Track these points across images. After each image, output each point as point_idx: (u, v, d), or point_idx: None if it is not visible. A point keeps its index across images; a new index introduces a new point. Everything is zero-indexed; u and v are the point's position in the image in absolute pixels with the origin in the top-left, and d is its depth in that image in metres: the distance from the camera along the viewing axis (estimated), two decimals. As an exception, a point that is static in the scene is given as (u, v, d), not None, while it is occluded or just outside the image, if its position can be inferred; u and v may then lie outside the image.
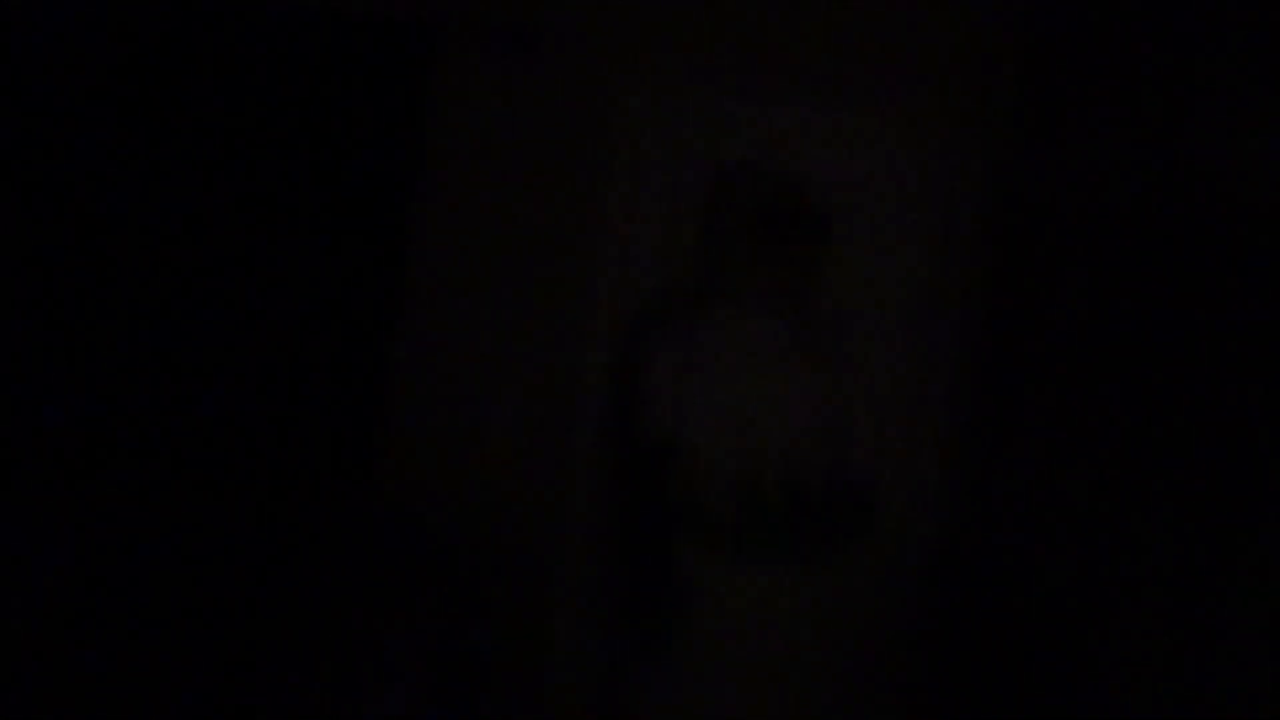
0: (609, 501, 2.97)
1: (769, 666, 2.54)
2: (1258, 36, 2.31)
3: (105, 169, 2.76)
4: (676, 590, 2.60)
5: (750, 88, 3.07)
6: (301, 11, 2.83)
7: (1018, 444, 2.87)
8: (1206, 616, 2.22)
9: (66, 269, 2.74)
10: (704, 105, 3.07)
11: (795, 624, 2.58)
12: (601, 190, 3.03)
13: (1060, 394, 2.74)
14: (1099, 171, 2.70)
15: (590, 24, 3.03)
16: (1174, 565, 2.33)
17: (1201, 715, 2.17)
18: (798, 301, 2.69)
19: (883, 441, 2.75)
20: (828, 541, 2.61)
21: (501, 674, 2.88)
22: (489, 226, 3.03)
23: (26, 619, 2.69)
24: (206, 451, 2.83)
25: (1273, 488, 2.09)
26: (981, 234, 3.04)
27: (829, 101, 3.06)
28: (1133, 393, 2.53)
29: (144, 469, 2.80)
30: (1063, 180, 2.86)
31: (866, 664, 2.76)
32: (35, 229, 2.73)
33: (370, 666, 2.48)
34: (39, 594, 2.67)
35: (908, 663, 2.98)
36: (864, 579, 2.73)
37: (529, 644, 2.99)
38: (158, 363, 2.86)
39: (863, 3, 3.06)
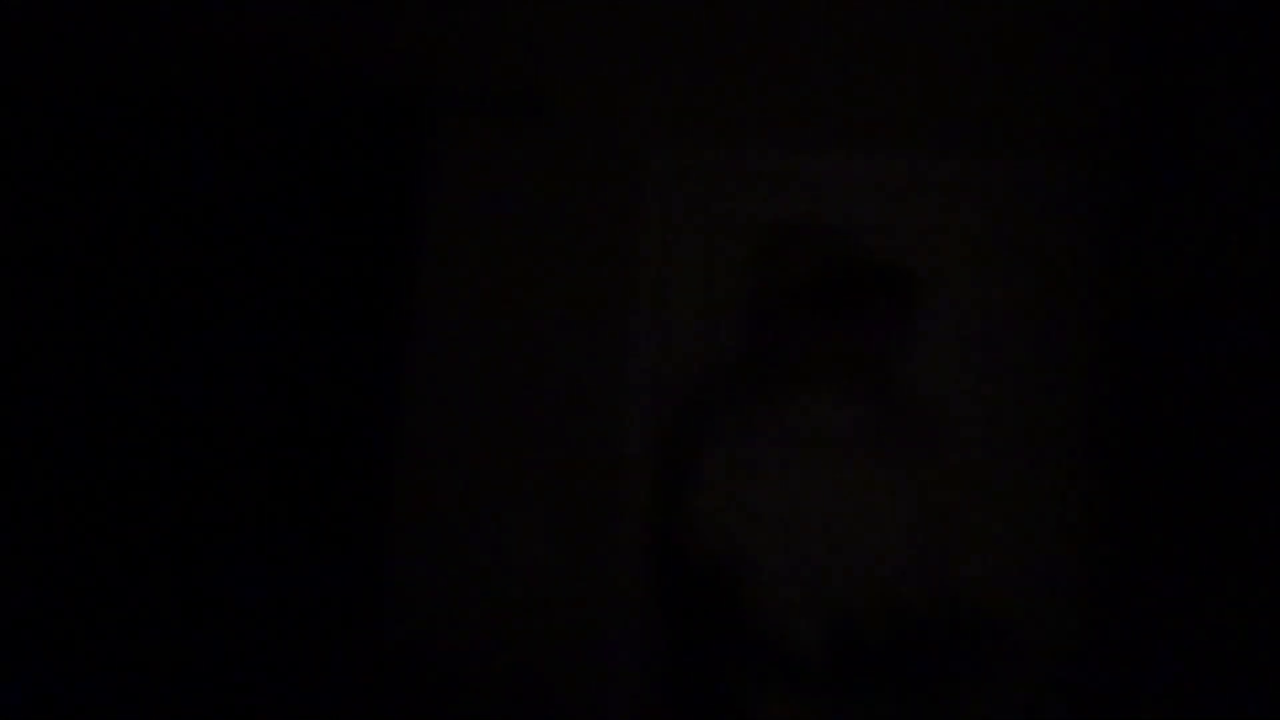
0: (659, 632, 2.45)
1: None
2: None
3: (106, 232, 2.59)
4: (748, 745, 2.07)
5: (798, 135, 2.64)
6: (305, 79, 2.63)
7: (1155, 549, 2.34)
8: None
9: (72, 355, 2.55)
10: (743, 158, 2.65)
11: (898, 784, 2.04)
12: (632, 263, 2.63)
13: (1205, 491, 2.22)
14: (1229, 220, 2.22)
15: (607, 79, 2.68)
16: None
17: None
18: (877, 380, 2.22)
19: (996, 552, 2.22)
20: (937, 680, 2.09)
21: None
22: (508, 307, 2.64)
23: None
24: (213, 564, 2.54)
25: None
26: (1093, 295, 2.54)
27: (895, 146, 2.61)
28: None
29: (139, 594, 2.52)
30: (1187, 232, 2.38)
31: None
32: (39, 319, 2.58)
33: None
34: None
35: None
36: (982, 724, 2.19)
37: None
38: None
39: (928, 36, 2.63)
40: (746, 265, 2.55)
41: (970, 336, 2.56)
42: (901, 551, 2.12)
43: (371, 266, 2.58)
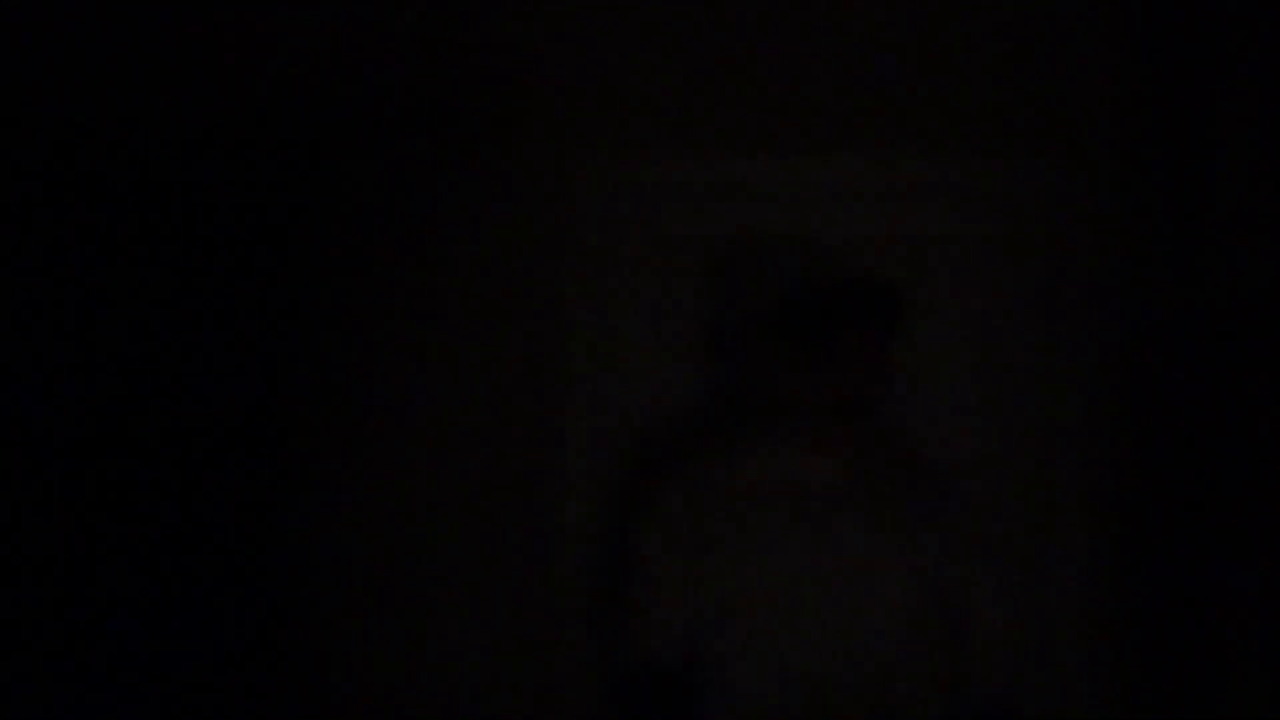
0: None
1: None
2: None
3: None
4: None
5: (757, 136, 2.22)
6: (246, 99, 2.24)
7: (1204, 625, 1.92)
8: None
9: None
10: (693, 164, 2.22)
11: None
12: (565, 291, 2.19)
13: (1256, 554, 1.81)
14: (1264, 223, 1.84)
15: (531, 77, 2.22)
16: None
17: None
18: (861, 424, 1.77)
19: (1010, 635, 1.78)
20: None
21: None
22: (420, 347, 2.20)
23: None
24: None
25: None
26: (1111, 315, 2.15)
27: (872, 146, 2.21)
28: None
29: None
30: (1219, 239, 2.00)
31: None
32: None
33: None
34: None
35: None
36: None
37: None
38: None
39: (908, 19, 2.23)
40: (701, 290, 2.17)
41: (967, 367, 2.15)
42: (898, 640, 1.67)
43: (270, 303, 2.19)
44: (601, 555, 2.13)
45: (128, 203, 2.22)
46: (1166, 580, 2.03)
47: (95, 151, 2.23)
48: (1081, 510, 2.11)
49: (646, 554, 1.72)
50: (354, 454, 2.17)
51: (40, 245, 2.22)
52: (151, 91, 2.22)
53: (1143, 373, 2.11)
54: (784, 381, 1.75)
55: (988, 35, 2.19)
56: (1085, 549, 2.10)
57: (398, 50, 2.22)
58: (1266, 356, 1.81)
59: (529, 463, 2.16)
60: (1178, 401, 2.03)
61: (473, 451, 2.16)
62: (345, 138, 2.19)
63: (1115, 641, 2.08)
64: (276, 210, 2.21)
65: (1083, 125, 2.17)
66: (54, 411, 2.19)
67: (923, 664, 1.69)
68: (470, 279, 2.19)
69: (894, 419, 2.06)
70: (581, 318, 2.17)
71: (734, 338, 1.97)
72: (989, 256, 2.17)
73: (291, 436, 2.17)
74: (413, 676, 2.14)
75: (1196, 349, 1.99)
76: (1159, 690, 2.03)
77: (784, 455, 1.76)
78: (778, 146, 2.20)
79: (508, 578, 2.15)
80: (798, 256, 1.86)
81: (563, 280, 2.18)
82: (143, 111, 2.22)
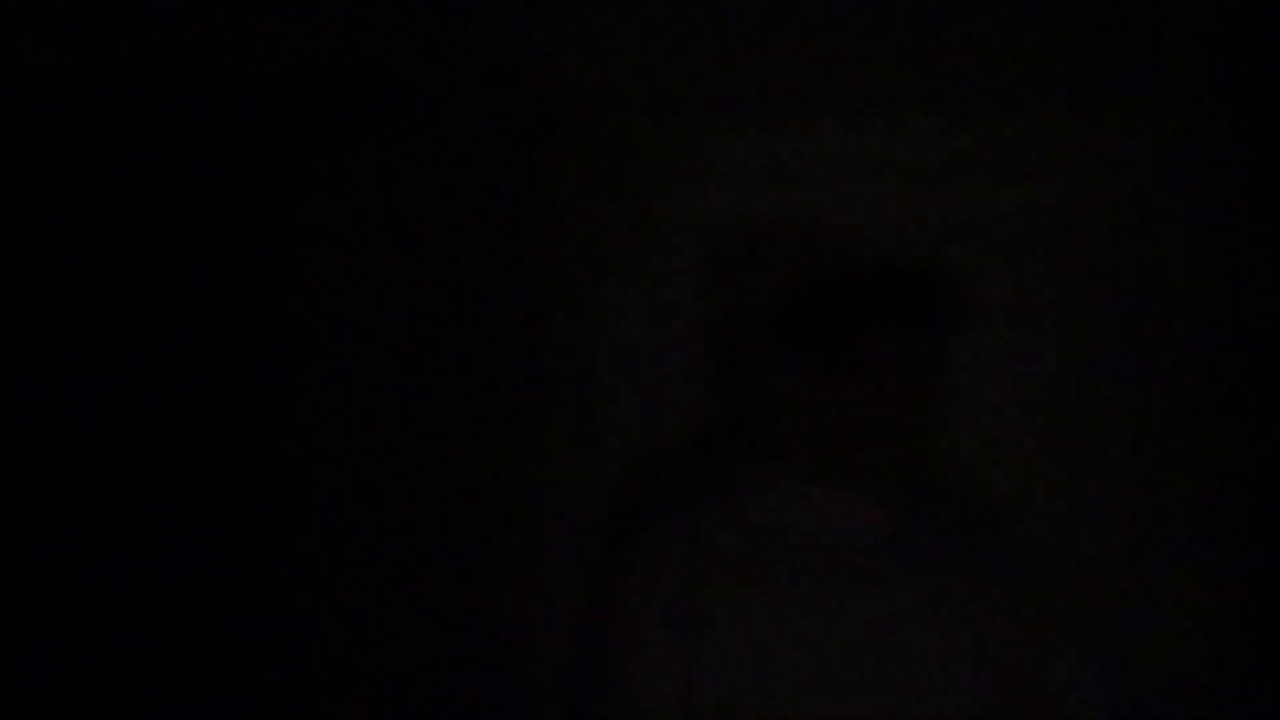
0: None
1: None
2: None
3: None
4: None
5: (766, 102, 1.87)
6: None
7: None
8: None
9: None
10: (692, 136, 1.92)
11: None
12: (542, 292, 1.91)
13: None
14: None
15: (498, 41, 1.85)
16: None
17: None
18: (897, 457, 1.41)
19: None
20: None
21: None
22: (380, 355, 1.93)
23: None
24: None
25: None
26: (1210, 310, 1.78)
27: (906, 108, 1.87)
28: None
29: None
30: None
31: None
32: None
33: None
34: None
35: None
36: None
37: None
38: None
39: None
40: (698, 287, 1.88)
41: (1031, 377, 1.81)
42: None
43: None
44: (580, 621, 1.85)
45: (118, 201, 2.12)
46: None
47: (98, 155, 2.14)
48: (1189, 555, 1.75)
49: (629, 625, 1.44)
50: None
51: (38, 245, 2.12)
52: (133, 89, 2.07)
53: (1252, 382, 1.73)
54: (798, 398, 1.41)
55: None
56: (1195, 606, 1.73)
57: (373, 40, 1.93)
58: None
59: (494, 511, 1.88)
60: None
61: (430, 477, 1.90)
62: (325, 131, 1.99)
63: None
64: (255, 204, 2.07)
65: (1176, 72, 1.80)
66: (51, 409, 2.09)
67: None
68: (439, 271, 1.94)
69: (945, 445, 1.73)
70: (558, 321, 1.89)
71: (737, 344, 1.74)
72: (1050, 237, 1.84)
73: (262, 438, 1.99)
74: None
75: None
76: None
77: (801, 494, 1.44)
78: (785, 113, 1.88)
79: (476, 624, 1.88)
80: (814, 246, 1.65)
81: (538, 276, 1.91)
82: (128, 110, 2.11)
